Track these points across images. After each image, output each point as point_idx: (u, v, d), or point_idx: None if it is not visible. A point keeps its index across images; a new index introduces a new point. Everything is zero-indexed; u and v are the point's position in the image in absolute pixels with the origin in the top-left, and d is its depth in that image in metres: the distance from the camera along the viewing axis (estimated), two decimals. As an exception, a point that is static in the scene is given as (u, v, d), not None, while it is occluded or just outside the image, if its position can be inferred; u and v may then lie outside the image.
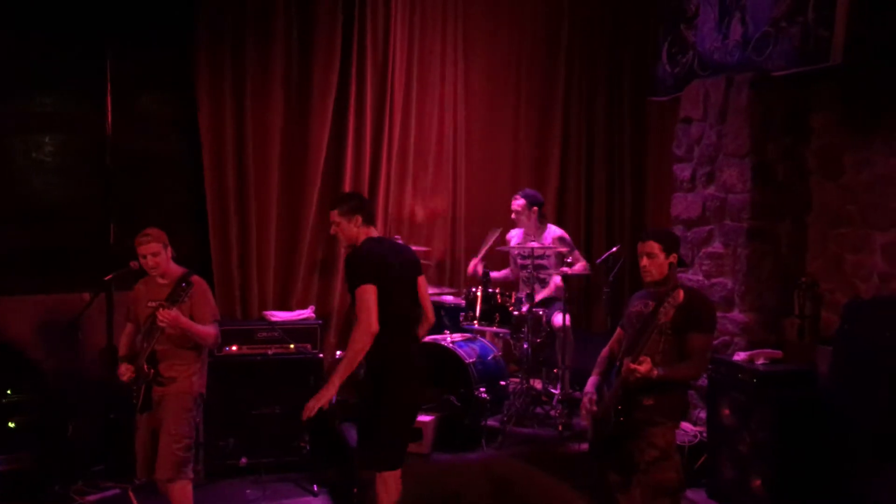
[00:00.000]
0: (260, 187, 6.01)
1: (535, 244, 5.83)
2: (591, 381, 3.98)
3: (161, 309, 3.99)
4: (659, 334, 3.60)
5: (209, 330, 4.20)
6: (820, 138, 5.32)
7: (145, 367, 4.14)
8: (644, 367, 3.45)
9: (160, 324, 4.01)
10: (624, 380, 3.57)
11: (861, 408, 4.26)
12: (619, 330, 4.06)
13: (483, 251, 6.14)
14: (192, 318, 4.16)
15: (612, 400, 3.70)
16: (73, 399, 5.27)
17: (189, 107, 5.83)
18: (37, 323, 5.45)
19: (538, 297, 5.95)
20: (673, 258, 3.76)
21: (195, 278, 4.23)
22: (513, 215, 6.14)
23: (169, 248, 4.24)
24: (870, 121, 4.95)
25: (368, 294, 3.85)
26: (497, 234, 6.17)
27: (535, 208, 6.09)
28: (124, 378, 4.16)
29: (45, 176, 5.63)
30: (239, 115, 5.92)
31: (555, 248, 5.93)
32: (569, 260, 5.80)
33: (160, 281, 4.23)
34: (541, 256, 6.05)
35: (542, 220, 6.16)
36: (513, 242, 6.13)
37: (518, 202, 6.10)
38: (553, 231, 6.17)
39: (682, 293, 3.48)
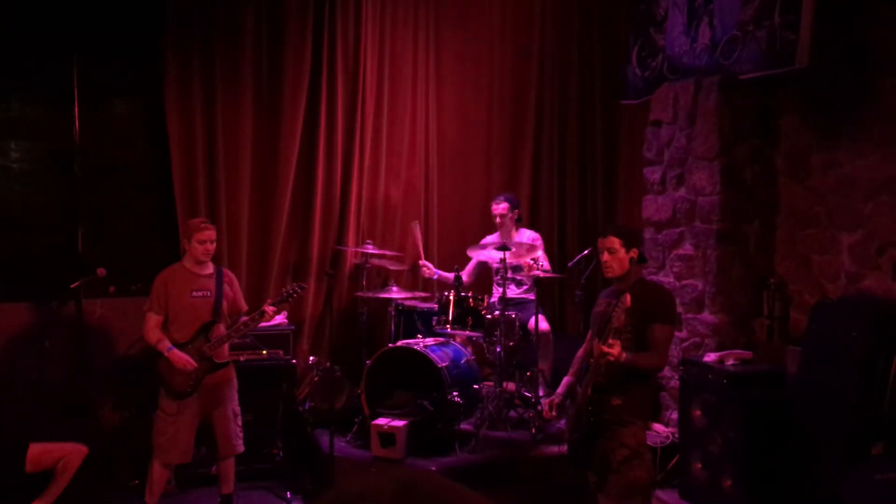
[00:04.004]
0: (230, 193, 5.97)
1: (511, 260, 5.78)
2: (564, 382, 4.03)
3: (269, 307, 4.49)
4: (618, 333, 3.61)
5: None
6: (788, 141, 5.37)
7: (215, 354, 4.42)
8: (615, 349, 3.46)
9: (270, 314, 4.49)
10: (595, 367, 3.59)
11: (829, 407, 4.30)
12: (590, 332, 4.08)
13: (421, 251, 6.22)
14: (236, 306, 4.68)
15: (583, 400, 3.71)
16: (39, 408, 5.19)
17: (158, 113, 5.78)
18: (2, 331, 5.36)
19: (511, 295, 5.95)
20: (633, 253, 3.75)
21: (225, 270, 4.72)
22: (497, 220, 6.13)
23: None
24: (836, 123, 5.00)
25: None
26: (416, 228, 6.26)
27: (516, 211, 6.13)
28: (190, 368, 4.30)
29: (11, 182, 5.56)
30: (209, 121, 5.88)
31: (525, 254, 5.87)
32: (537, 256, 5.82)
33: (204, 270, 4.51)
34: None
35: (518, 223, 6.20)
36: (488, 248, 6.04)
37: (501, 206, 6.10)
38: (527, 235, 6.19)
39: (629, 298, 3.46)
